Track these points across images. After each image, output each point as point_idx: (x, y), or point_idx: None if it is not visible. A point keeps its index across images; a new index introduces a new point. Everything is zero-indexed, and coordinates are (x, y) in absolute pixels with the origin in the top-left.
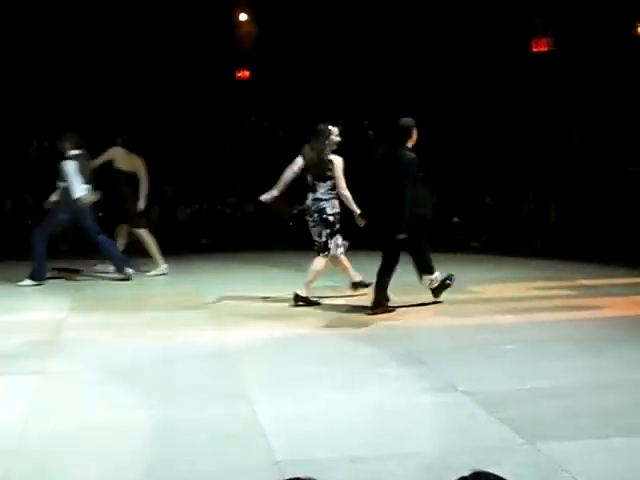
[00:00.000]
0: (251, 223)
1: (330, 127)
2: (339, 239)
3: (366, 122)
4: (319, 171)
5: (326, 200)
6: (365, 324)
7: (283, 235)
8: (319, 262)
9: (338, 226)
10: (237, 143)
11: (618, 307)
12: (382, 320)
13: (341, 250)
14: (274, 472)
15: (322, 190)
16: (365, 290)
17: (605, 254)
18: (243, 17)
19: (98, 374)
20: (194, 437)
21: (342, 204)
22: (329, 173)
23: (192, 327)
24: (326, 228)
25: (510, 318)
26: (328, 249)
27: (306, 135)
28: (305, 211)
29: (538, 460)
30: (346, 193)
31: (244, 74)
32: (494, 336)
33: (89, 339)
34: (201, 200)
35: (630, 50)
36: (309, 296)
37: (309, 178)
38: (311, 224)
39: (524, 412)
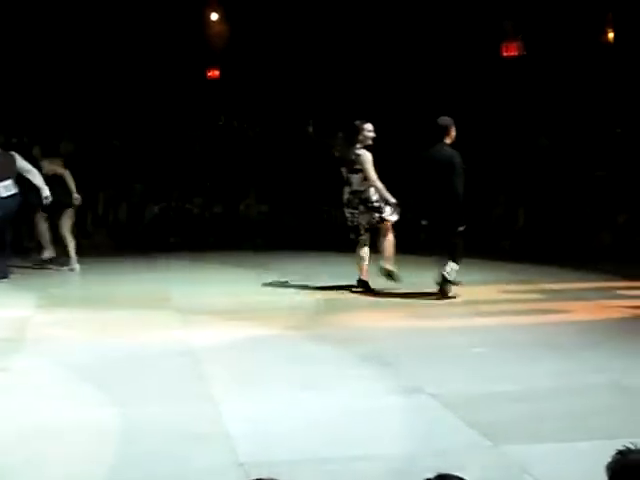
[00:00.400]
0: (218, 223)
1: (364, 124)
2: (388, 209)
3: (340, 134)
4: (352, 164)
5: (365, 190)
6: (333, 325)
7: (250, 235)
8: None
9: (383, 205)
10: (206, 142)
11: (587, 311)
12: (350, 321)
13: (395, 217)
14: (239, 473)
15: (356, 182)
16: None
17: (574, 258)
18: (214, 17)
19: (64, 372)
20: (159, 437)
21: None
22: (358, 166)
23: (159, 326)
24: (375, 212)
25: (479, 321)
26: (385, 220)
27: (276, 135)
28: (346, 204)
29: (503, 463)
30: (379, 184)
31: (214, 73)
32: (462, 338)
33: (55, 337)
34: (169, 199)
35: (599, 56)
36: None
37: (344, 172)
38: (357, 215)
39: (491, 415)
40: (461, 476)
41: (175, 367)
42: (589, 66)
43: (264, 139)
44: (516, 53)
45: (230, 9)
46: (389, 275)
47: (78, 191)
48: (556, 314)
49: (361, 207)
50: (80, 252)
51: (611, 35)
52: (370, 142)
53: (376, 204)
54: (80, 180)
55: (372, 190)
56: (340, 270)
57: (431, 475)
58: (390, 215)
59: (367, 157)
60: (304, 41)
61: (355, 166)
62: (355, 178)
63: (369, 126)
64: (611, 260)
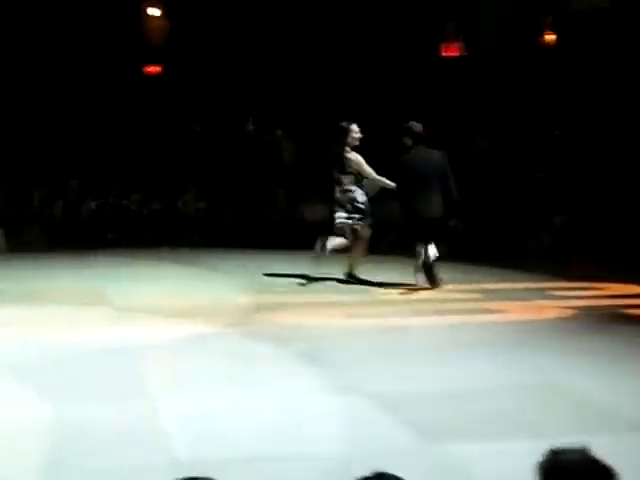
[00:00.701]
0: (156, 220)
1: (351, 125)
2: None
3: (279, 132)
4: (343, 166)
5: (354, 191)
6: (270, 323)
7: (188, 232)
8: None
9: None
10: (145, 139)
11: (524, 311)
12: (286, 320)
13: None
14: (174, 471)
15: (347, 182)
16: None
17: (511, 259)
18: (154, 12)
19: None
20: (95, 435)
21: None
22: (349, 169)
23: (95, 323)
24: (358, 213)
25: (415, 320)
26: (356, 230)
27: (216, 132)
28: (336, 202)
29: (442, 462)
30: (378, 177)
31: (154, 69)
32: (400, 338)
33: None
34: (107, 195)
35: (539, 58)
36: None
37: (335, 173)
38: (344, 213)
39: (427, 414)
40: (398, 475)
41: (111, 365)
42: (529, 68)
43: (203, 136)
44: (456, 54)
45: (171, 4)
46: (349, 276)
47: (13, 188)
48: (493, 314)
49: (348, 206)
50: (14, 249)
51: (551, 37)
52: (357, 143)
53: (361, 206)
54: (15, 176)
55: (359, 192)
56: (277, 268)
57: (369, 474)
58: (364, 225)
59: (358, 159)
60: (244, 37)
61: (347, 169)
62: (346, 179)
63: (355, 127)
64: (548, 261)
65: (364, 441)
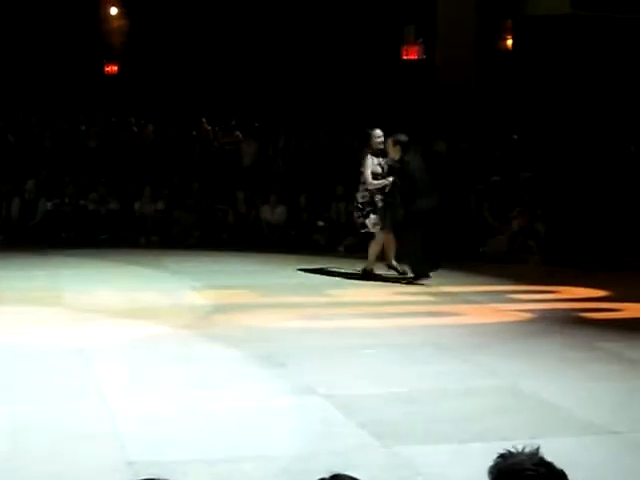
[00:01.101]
0: (114, 220)
1: (373, 131)
2: (372, 218)
3: (233, 122)
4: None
5: (360, 191)
6: (225, 325)
7: (145, 233)
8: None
9: (369, 209)
10: (103, 138)
11: (478, 314)
12: (242, 321)
13: (375, 228)
14: (128, 473)
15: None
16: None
17: (466, 262)
18: (113, 11)
19: None
20: (47, 436)
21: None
22: (361, 169)
23: (48, 324)
24: (358, 212)
25: (370, 322)
26: (365, 227)
27: (174, 131)
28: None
29: (394, 463)
30: (374, 182)
31: (112, 69)
32: (354, 340)
33: None
34: (63, 194)
35: (497, 62)
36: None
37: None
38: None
39: (382, 416)
40: (354, 476)
41: (65, 365)
42: (487, 72)
43: (161, 135)
44: (416, 57)
45: (129, 3)
46: (363, 276)
47: None
48: (447, 317)
49: (369, 207)
50: None
51: (509, 42)
52: (381, 147)
53: (359, 205)
54: None
55: (360, 193)
56: (233, 269)
57: (324, 475)
58: (372, 225)
59: (366, 162)
60: (203, 37)
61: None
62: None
63: (378, 132)
64: (506, 264)
65: (319, 442)
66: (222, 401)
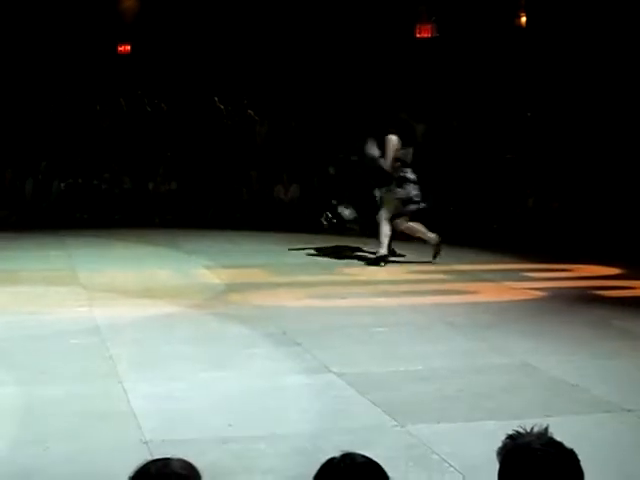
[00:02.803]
0: (127, 199)
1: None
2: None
3: (246, 101)
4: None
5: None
6: (238, 304)
7: (159, 212)
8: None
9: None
10: (117, 118)
11: (490, 292)
12: (255, 300)
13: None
14: (143, 452)
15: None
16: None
17: (480, 240)
18: None
19: None
20: (64, 416)
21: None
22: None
23: (64, 304)
24: None
25: (384, 301)
26: None
27: (187, 111)
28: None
29: (409, 442)
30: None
31: (125, 48)
32: (368, 318)
33: None
34: (76, 175)
35: (511, 39)
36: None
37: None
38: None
39: (396, 394)
40: (367, 455)
41: (80, 345)
42: (501, 49)
43: (174, 115)
44: (429, 35)
45: None
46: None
47: None
48: (461, 295)
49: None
50: None
51: (524, 19)
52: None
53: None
54: None
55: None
56: (247, 249)
57: (336, 454)
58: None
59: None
60: (215, 16)
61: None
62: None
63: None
64: (518, 242)
65: (333, 420)
66: (236, 380)
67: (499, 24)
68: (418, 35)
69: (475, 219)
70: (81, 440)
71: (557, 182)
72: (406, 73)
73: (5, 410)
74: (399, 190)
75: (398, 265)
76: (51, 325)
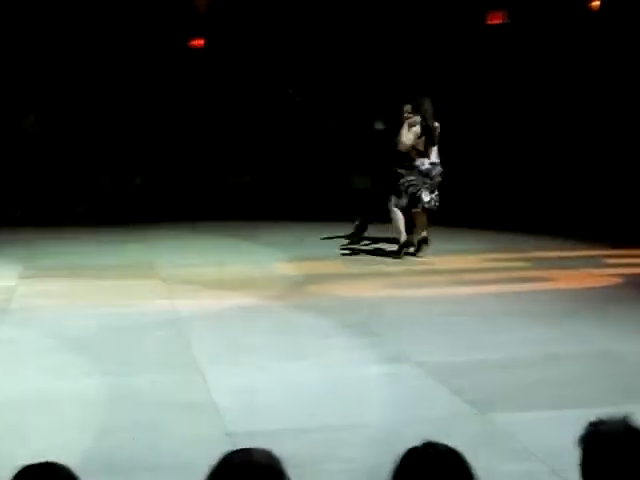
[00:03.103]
0: (204, 192)
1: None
2: None
3: (326, 105)
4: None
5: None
6: (316, 295)
7: (236, 205)
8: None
9: None
10: (193, 113)
11: (569, 279)
12: (333, 291)
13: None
14: (225, 443)
15: (434, 155)
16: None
17: (560, 227)
18: None
19: (50, 342)
20: (145, 407)
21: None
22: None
23: (145, 296)
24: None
25: (462, 290)
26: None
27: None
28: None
29: (490, 431)
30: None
31: (198, 42)
32: (446, 307)
33: (41, 307)
34: (153, 169)
35: (584, 24)
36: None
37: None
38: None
39: (476, 383)
40: (448, 444)
41: (161, 337)
42: (574, 34)
43: (249, 108)
44: (500, 21)
45: None
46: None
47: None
48: (540, 282)
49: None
50: (66, 222)
51: (597, 3)
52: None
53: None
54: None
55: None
56: (323, 240)
57: (417, 443)
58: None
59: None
60: (289, 8)
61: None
62: (434, 151)
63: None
64: (599, 228)
65: (413, 410)
66: (316, 370)
67: (571, 9)
68: (489, 22)
69: (555, 206)
70: (165, 431)
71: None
72: (477, 61)
73: (90, 401)
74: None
75: (475, 254)
76: (133, 317)
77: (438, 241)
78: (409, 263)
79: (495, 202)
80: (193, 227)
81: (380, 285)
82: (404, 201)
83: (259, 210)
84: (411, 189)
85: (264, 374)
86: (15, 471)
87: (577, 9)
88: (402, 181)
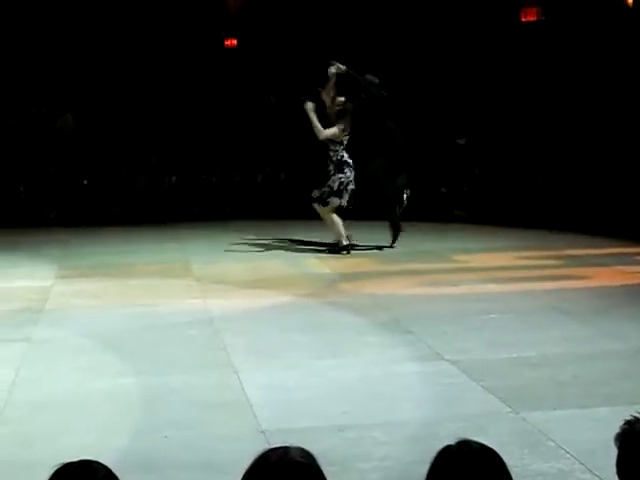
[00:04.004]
0: (237, 192)
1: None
2: None
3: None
4: None
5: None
6: (350, 293)
7: (268, 204)
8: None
9: None
10: (224, 112)
11: (603, 277)
12: (367, 289)
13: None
14: (260, 441)
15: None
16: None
17: (590, 224)
18: None
19: (85, 342)
20: (180, 405)
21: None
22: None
23: (178, 295)
24: None
25: (495, 287)
26: None
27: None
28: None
29: (523, 429)
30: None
31: (232, 42)
32: (479, 305)
33: (76, 307)
34: (187, 169)
35: (619, 20)
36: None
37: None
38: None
39: (509, 381)
40: (482, 442)
41: (195, 336)
42: (608, 31)
43: (281, 108)
44: (535, 18)
45: None
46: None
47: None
48: (572, 280)
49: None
50: (101, 222)
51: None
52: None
53: None
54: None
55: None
56: (358, 237)
57: (452, 441)
58: None
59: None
60: (322, 8)
61: None
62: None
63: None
64: (631, 225)
65: (447, 407)
66: (350, 368)
67: (606, 5)
68: (523, 19)
69: (586, 203)
70: (199, 429)
71: None
72: (512, 58)
73: (125, 400)
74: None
75: (507, 251)
76: (167, 317)
77: (470, 239)
78: (441, 261)
79: (525, 199)
80: (226, 226)
81: (414, 283)
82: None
83: (292, 208)
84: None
85: (297, 372)
86: (53, 469)
87: (612, 5)
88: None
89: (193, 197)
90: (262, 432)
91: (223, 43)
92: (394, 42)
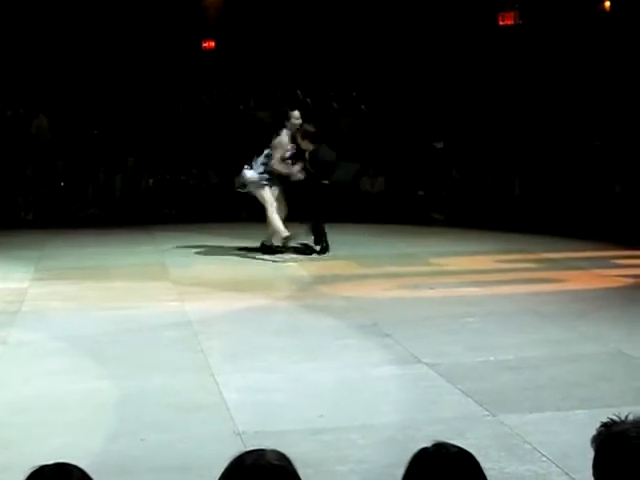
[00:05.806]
0: (214, 194)
1: (293, 112)
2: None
3: (331, 93)
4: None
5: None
6: (327, 295)
7: (247, 207)
8: None
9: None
10: (200, 114)
11: (580, 280)
12: (345, 291)
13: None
14: (236, 443)
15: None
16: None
17: (569, 228)
18: None
19: (61, 344)
20: (157, 408)
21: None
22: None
23: (156, 298)
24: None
25: (473, 291)
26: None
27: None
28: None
29: (500, 432)
30: (280, 167)
31: (209, 44)
32: (457, 309)
33: (52, 309)
34: (164, 171)
35: (595, 25)
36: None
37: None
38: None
39: (487, 384)
40: (459, 445)
41: (172, 338)
42: (585, 35)
43: (258, 109)
44: (512, 22)
45: None
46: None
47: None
48: (550, 283)
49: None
50: (78, 225)
51: (607, 3)
52: (297, 127)
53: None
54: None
55: (260, 163)
56: (334, 240)
57: (428, 444)
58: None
59: (280, 140)
60: (300, 10)
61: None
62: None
63: (296, 114)
64: (607, 229)
65: (425, 411)
66: (327, 371)
67: (582, 10)
68: (501, 23)
69: (563, 207)
70: (175, 432)
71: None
72: (489, 61)
73: (101, 403)
74: None
75: (487, 255)
76: (143, 319)
77: (447, 242)
78: (419, 264)
79: (502, 203)
80: (203, 229)
81: (392, 286)
82: None
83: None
84: None
85: (275, 375)
86: (29, 471)
87: (588, 10)
88: None
89: (170, 199)
90: (239, 435)
91: (201, 45)
92: (372, 46)
